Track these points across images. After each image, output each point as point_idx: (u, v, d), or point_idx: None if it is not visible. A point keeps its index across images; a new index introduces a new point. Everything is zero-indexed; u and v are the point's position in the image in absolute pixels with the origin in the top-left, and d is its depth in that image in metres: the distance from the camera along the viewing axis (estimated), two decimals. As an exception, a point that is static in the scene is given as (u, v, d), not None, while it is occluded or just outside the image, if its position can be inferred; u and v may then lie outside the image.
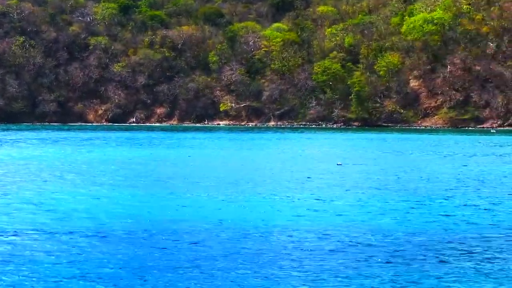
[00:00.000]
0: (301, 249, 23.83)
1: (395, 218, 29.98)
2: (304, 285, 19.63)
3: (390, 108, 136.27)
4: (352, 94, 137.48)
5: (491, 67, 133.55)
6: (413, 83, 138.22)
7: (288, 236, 26.01)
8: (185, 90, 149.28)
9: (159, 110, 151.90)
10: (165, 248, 23.82)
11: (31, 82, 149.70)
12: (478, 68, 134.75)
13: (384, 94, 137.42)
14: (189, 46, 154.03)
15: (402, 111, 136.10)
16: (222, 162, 58.84)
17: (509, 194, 37.58)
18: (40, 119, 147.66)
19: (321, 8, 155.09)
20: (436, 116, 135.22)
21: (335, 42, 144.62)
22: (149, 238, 25.58)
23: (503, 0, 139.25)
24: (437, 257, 22.77)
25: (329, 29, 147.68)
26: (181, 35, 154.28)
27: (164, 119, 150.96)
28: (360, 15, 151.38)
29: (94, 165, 54.87)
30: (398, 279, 20.24)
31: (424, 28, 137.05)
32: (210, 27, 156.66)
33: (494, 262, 22.18)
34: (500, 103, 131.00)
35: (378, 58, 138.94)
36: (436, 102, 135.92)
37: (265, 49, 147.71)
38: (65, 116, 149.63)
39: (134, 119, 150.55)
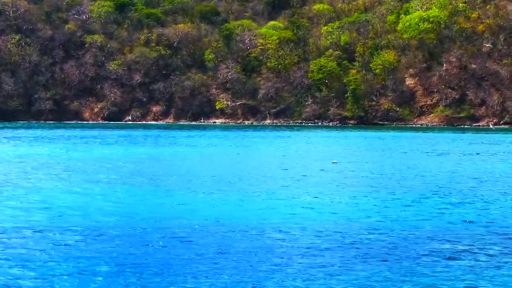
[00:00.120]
0: (296, 247, 23.83)
1: (390, 215, 30.00)
2: (299, 282, 19.63)
3: (386, 106, 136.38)
4: (348, 92, 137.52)
5: (486, 65, 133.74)
6: (409, 81, 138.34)
7: (283, 233, 26.01)
8: (181, 88, 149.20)
9: (155, 108, 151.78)
10: (160, 246, 23.80)
11: (27, 80, 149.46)
12: (474, 66, 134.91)
13: (380, 92, 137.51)
14: (185, 44, 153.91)
15: (398, 109, 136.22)
16: (218, 160, 58.84)
17: (504, 193, 37.62)
18: (36, 117, 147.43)
19: (317, 6, 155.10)
20: (432, 114, 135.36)
21: (331, 40, 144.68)
22: (144, 236, 25.55)
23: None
24: (432, 255, 22.79)
25: (325, 27, 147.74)
26: (177, 33, 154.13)
27: (160, 117, 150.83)
28: (356, 13, 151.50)
29: (89, 163, 54.80)
30: (393, 276, 20.25)
31: (420, 26, 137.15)
32: (206, 25, 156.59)
33: (489, 260, 22.20)
34: (496, 101, 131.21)
35: (374, 56, 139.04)
36: (432, 100, 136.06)
37: (261, 47, 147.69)
38: (61, 114, 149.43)
39: (130, 117, 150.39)
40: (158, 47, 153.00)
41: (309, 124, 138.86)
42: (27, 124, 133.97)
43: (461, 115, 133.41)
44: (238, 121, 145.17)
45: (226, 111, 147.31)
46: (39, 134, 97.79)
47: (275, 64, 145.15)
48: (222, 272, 20.52)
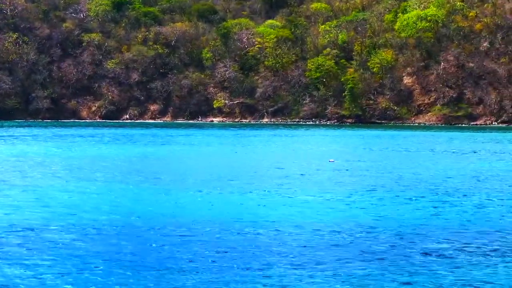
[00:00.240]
0: (293, 245, 23.82)
1: (387, 214, 29.99)
2: (296, 281, 19.61)
3: (383, 105, 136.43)
4: (346, 91, 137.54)
5: (484, 64, 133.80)
6: (407, 80, 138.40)
7: (280, 232, 25.99)
8: (178, 87, 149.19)
9: (153, 107, 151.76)
10: (157, 244, 23.78)
11: (24, 78, 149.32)
12: (471, 65, 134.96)
13: (378, 91, 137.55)
14: (182, 43, 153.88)
15: (395, 108, 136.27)
16: (216, 159, 58.82)
17: (501, 191, 37.63)
18: (33, 115, 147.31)
19: (314, 5, 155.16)
20: (429, 113, 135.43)
21: (328, 39, 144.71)
22: (141, 234, 25.52)
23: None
24: (429, 254, 22.78)
25: (323, 26, 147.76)
26: (175, 32, 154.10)
27: (157, 116, 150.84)
28: (353, 12, 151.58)
29: (86, 161, 54.78)
30: (390, 275, 20.24)
31: (418, 25, 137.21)
32: (203, 24, 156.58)
33: (487, 258, 22.20)
34: (494, 100, 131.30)
35: (372, 55, 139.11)
36: (429, 99, 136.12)
37: (259, 46, 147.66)
38: (59, 113, 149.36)
39: (127, 116, 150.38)
40: (155, 46, 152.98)
41: (307, 122, 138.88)
42: (25, 123, 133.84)
43: (459, 113, 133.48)
44: (236, 120, 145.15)
45: (224, 109, 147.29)
46: (36, 133, 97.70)
47: (272, 63, 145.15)
48: (219, 270, 20.49)
